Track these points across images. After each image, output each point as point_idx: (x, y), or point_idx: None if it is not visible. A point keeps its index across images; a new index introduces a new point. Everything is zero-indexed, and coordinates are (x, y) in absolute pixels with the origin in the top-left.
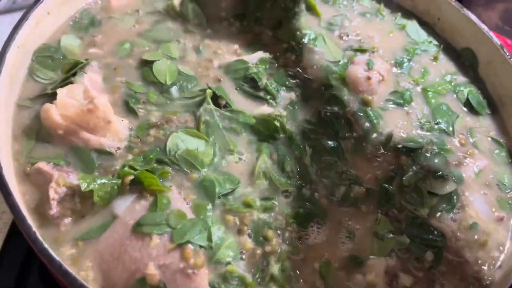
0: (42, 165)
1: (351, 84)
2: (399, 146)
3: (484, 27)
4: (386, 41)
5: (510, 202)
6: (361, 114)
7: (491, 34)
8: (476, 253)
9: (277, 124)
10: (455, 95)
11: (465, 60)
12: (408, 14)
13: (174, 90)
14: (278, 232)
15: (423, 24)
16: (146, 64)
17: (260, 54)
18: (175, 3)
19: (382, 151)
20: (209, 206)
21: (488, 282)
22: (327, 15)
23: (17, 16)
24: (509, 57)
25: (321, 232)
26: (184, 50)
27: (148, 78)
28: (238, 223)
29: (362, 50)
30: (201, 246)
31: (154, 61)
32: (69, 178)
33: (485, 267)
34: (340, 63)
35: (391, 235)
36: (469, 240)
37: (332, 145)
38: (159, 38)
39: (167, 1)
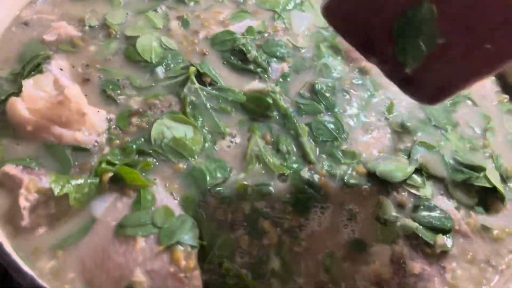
0: (10, 169)
1: (345, 52)
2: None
3: None
4: None
5: None
6: (359, 84)
7: None
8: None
9: (270, 101)
10: None
11: None
12: None
13: (159, 70)
14: (276, 222)
15: None
16: (128, 42)
17: (247, 23)
18: None
19: (385, 122)
20: (199, 200)
21: (503, 267)
22: None
23: None
24: None
25: (322, 218)
26: (166, 18)
27: (133, 57)
28: (230, 217)
29: None
30: (192, 247)
31: (137, 36)
32: (41, 182)
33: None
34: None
35: (395, 219)
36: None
37: (330, 120)
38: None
39: None
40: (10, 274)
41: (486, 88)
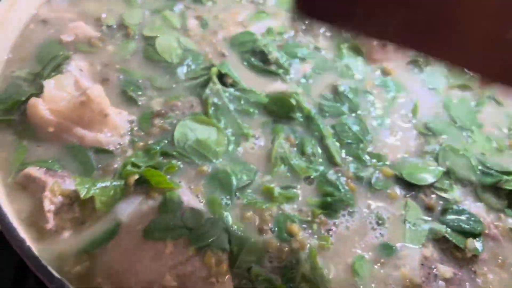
0: (33, 171)
1: (366, 53)
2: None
3: None
4: None
5: None
6: (381, 85)
7: None
8: None
9: (294, 102)
10: None
11: None
12: None
13: (180, 71)
14: (304, 225)
15: None
16: (147, 42)
17: (267, 24)
18: None
19: (409, 124)
20: (226, 202)
21: None
22: None
23: None
24: None
25: (350, 221)
26: (184, 18)
27: (152, 58)
28: (258, 220)
29: None
30: (223, 250)
31: (156, 37)
32: (65, 184)
33: None
34: None
35: (423, 222)
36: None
37: (355, 122)
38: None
39: None
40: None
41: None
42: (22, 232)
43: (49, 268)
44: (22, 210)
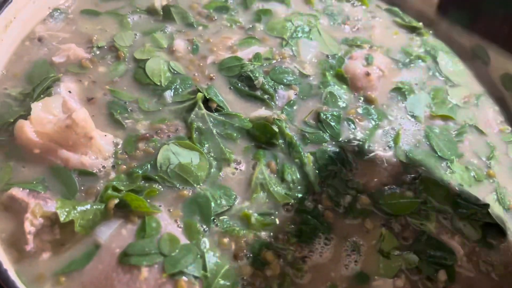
0: (16, 192)
1: (350, 81)
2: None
3: None
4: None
5: None
6: (364, 113)
7: None
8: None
9: (276, 129)
10: None
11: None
12: None
13: (167, 94)
14: (279, 253)
15: None
16: (137, 64)
17: (255, 49)
18: (157, 6)
19: (390, 152)
20: (203, 228)
21: None
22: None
23: None
24: None
25: (325, 249)
26: (173, 41)
27: (142, 80)
28: (233, 246)
29: (358, 45)
30: (195, 277)
31: (147, 59)
32: (47, 206)
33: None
34: (338, 55)
35: (398, 252)
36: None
37: (335, 150)
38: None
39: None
40: None
41: (489, 117)
42: (2, 251)
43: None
44: (3, 230)
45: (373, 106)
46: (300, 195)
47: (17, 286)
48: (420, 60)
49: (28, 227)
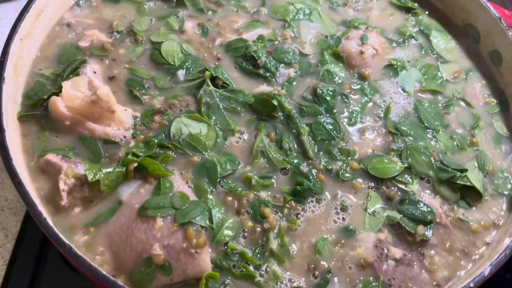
0: (51, 157)
1: (346, 59)
2: (396, 124)
3: None
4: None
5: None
6: (357, 89)
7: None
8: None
9: (275, 103)
10: None
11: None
12: None
13: (180, 73)
14: (275, 209)
15: None
16: (153, 46)
17: (259, 31)
18: None
19: (379, 124)
20: (210, 189)
21: (476, 257)
22: None
23: (22, 2)
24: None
25: (317, 207)
26: (182, 22)
27: (157, 60)
28: (236, 204)
29: (355, 27)
30: (202, 227)
31: (162, 42)
32: (77, 168)
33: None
34: (336, 36)
35: (382, 210)
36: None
37: (329, 121)
38: (159, 14)
39: None
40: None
41: (476, 91)
42: (41, 206)
43: (61, 235)
44: (41, 189)
45: (366, 82)
46: (296, 161)
47: (55, 231)
48: (413, 39)
49: (62, 186)
